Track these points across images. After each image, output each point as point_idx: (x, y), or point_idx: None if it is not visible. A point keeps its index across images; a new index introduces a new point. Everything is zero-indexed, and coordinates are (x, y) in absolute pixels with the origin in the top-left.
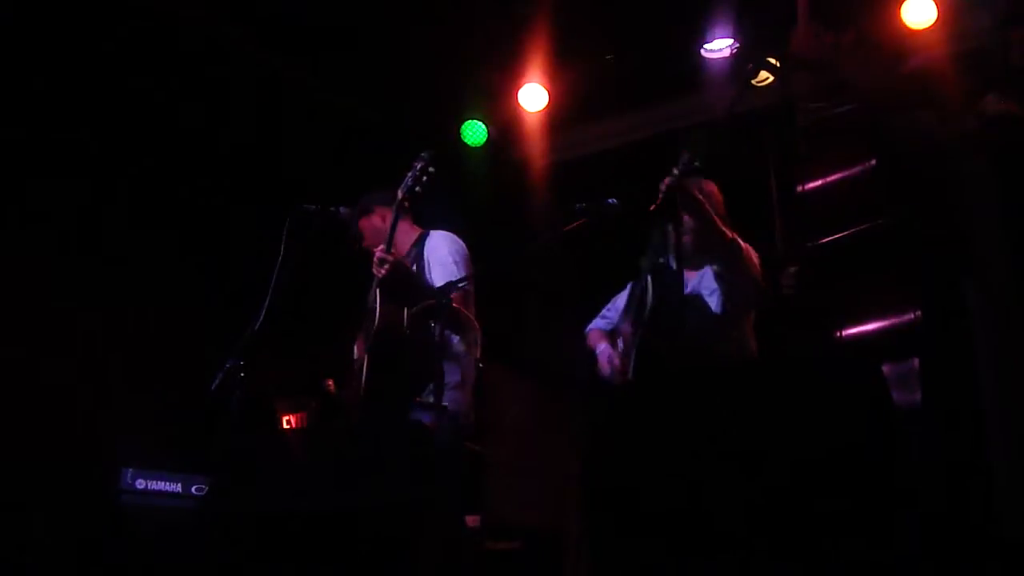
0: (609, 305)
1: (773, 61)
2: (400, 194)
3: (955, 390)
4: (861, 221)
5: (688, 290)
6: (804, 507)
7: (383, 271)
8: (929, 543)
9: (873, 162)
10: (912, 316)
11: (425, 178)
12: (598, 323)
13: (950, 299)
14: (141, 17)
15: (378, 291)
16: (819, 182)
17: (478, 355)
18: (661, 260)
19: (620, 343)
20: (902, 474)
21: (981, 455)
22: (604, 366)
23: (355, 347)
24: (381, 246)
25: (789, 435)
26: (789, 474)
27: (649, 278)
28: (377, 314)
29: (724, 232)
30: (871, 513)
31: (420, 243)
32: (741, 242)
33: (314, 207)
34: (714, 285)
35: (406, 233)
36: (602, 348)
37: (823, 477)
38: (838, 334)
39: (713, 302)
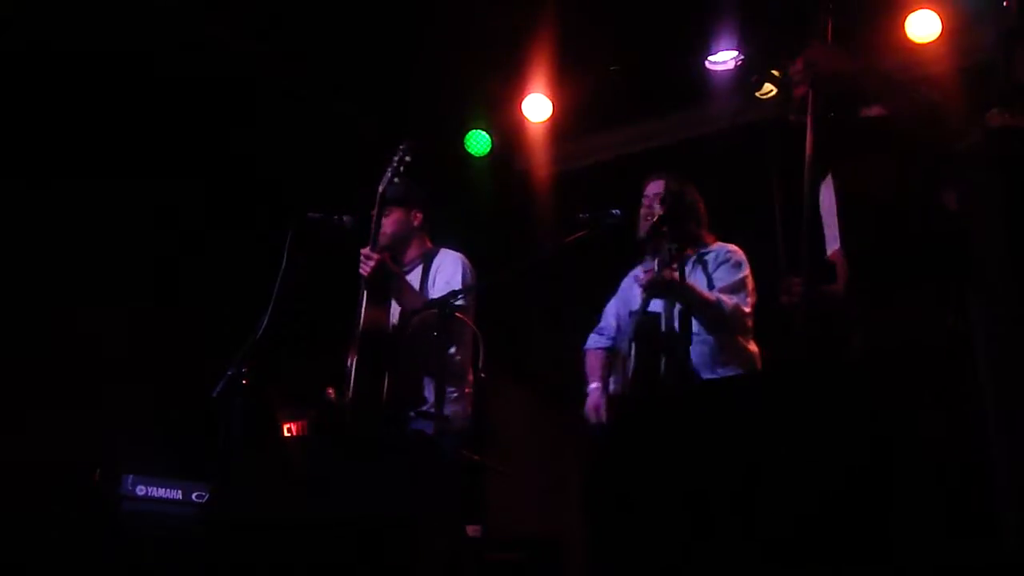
0: (602, 318)
1: (777, 74)
2: (380, 188)
3: (961, 402)
4: (874, 230)
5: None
6: (804, 514)
7: (367, 268)
8: (929, 553)
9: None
10: (925, 327)
11: (402, 168)
12: (595, 341)
13: (959, 310)
14: (152, 29)
15: (365, 292)
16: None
17: (480, 365)
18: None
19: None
20: (901, 482)
21: (983, 465)
22: (590, 412)
23: (348, 355)
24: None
25: (788, 444)
26: (788, 482)
27: (633, 344)
28: (362, 316)
29: (707, 302)
30: (870, 522)
31: (428, 257)
32: (724, 300)
33: (318, 216)
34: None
35: (416, 246)
36: (593, 388)
37: (822, 486)
38: (850, 343)
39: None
